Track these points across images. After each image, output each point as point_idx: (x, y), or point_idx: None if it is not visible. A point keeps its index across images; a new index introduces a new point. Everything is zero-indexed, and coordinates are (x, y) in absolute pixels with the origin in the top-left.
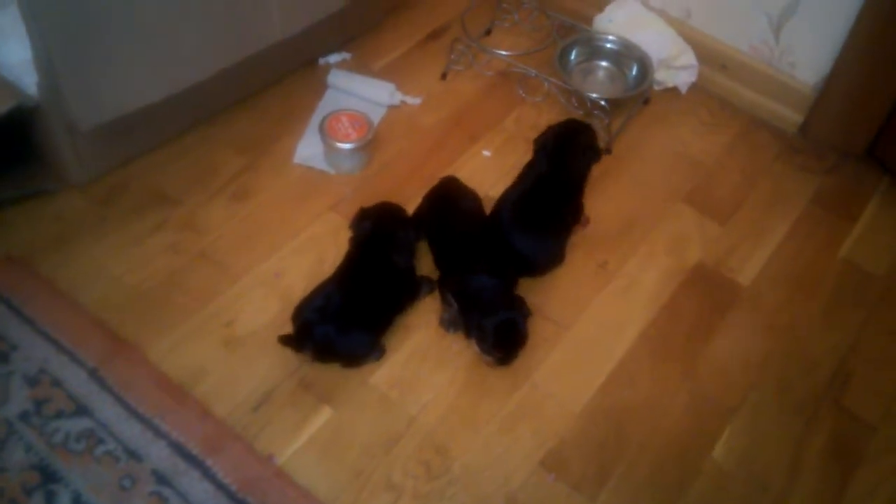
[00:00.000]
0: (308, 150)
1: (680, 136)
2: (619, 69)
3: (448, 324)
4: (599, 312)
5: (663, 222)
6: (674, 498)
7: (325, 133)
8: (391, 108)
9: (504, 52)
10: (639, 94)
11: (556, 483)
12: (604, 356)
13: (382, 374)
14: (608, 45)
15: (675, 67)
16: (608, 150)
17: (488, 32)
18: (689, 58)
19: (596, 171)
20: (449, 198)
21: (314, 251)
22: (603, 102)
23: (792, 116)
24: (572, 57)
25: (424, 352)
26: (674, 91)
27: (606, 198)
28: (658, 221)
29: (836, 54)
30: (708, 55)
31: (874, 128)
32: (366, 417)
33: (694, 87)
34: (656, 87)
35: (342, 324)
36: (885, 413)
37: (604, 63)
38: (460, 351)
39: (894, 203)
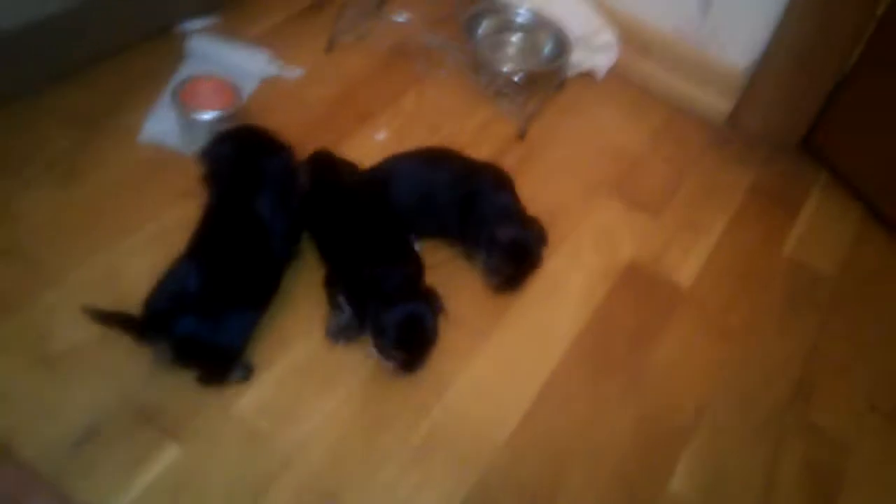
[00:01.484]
0: (158, 125)
1: (599, 124)
2: (532, 44)
3: (337, 333)
4: (521, 319)
5: (588, 217)
6: None
7: (180, 102)
8: (265, 80)
9: (402, 19)
10: (557, 68)
11: None
12: (530, 371)
13: (249, 401)
14: (520, 18)
15: (594, 47)
16: (521, 136)
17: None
18: (608, 36)
19: (509, 159)
20: (327, 174)
21: (162, 247)
22: (516, 79)
23: (720, 104)
24: (480, 29)
25: (305, 370)
26: (589, 77)
27: (520, 189)
28: (582, 216)
29: (768, 35)
30: (629, 37)
31: (809, 117)
32: (226, 456)
33: (612, 72)
34: (571, 71)
35: (208, 309)
36: (858, 429)
37: (515, 37)
38: (353, 368)
39: (835, 199)
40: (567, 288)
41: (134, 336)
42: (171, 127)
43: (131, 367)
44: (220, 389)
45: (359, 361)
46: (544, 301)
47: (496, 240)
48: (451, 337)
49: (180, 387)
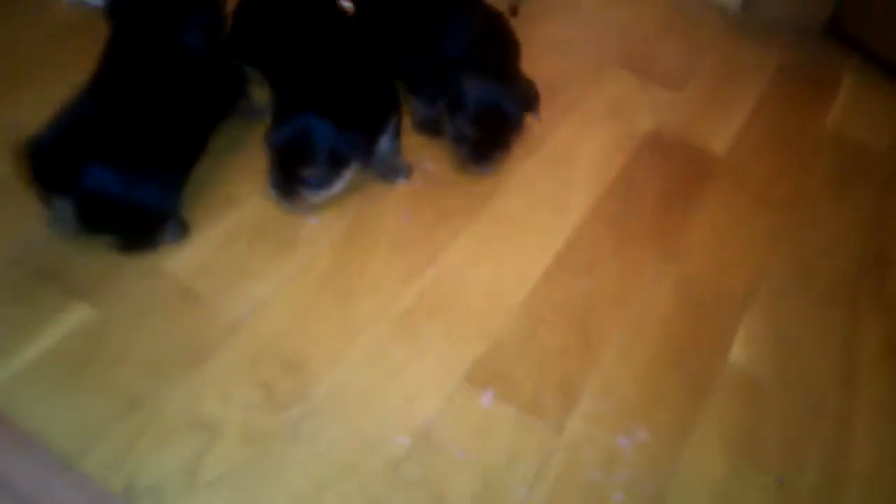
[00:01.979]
0: None
1: (599, 2)
2: None
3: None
4: (527, 185)
5: (597, 87)
6: (687, 417)
7: None
8: None
9: None
10: None
11: (497, 405)
12: (541, 238)
13: (183, 260)
14: None
15: None
16: (514, 13)
17: None
18: None
19: None
20: None
21: None
22: None
23: None
24: None
25: (257, 230)
26: None
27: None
28: (590, 87)
29: None
30: None
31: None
32: (152, 320)
33: None
34: None
35: (121, 154)
36: None
37: None
38: (319, 229)
39: (873, 79)
40: (579, 156)
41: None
42: None
43: (27, 222)
44: (150, 249)
45: (331, 219)
46: (552, 169)
47: (461, 96)
48: (442, 196)
49: (90, 243)
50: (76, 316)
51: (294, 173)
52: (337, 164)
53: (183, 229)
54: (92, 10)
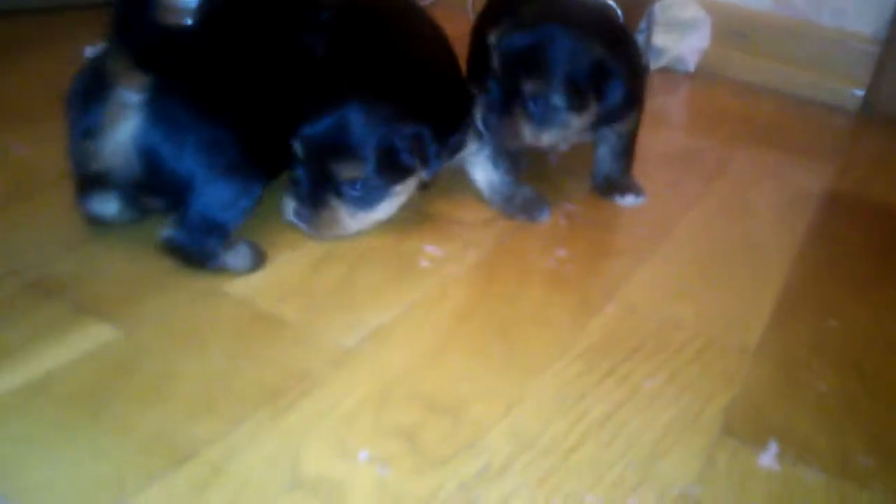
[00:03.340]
0: None
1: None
2: None
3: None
4: (699, 231)
5: (739, 157)
6: None
7: None
8: None
9: None
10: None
11: (787, 465)
12: (752, 278)
13: (254, 281)
14: None
15: (682, 23)
16: None
17: None
18: (696, 9)
19: None
20: None
21: None
22: None
23: (847, 87)
24: None
25: (359, 255)
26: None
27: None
28: (730, 157)
29: None
30: (716, 25)
31: None
32: (208, 347)
33: (700, 71)
34: (655, 63)
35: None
36: None
37: None
38: (453, 256)
39: None
40: (749, 209)
41: None
42: None
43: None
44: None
45: (456, 249)
46: (724, 219)
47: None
48: (597, 233)
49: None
50: (92, 336)
51: (327, 180)
52: (388, 169)
53: (258, 259)
54: None
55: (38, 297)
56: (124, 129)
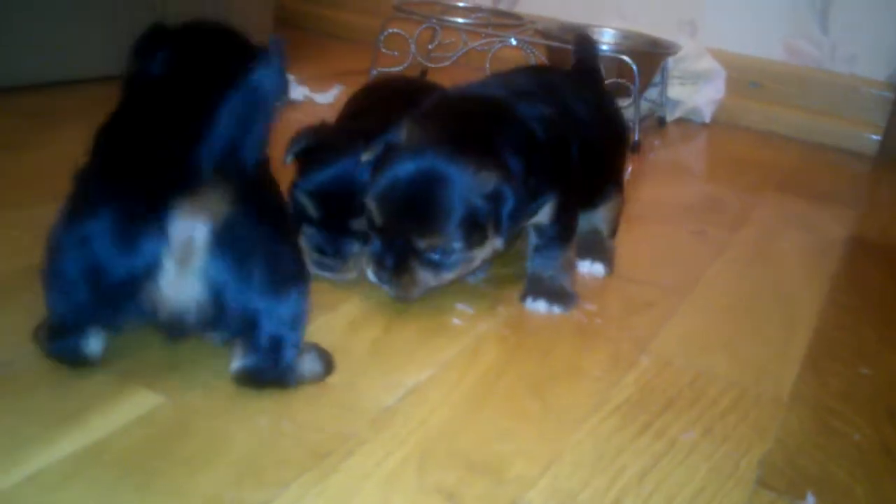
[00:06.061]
0: None
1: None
2: None
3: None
4: (727, 282)
5: (764, 204)
6: None
7: None
8: None
9: None
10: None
11: None
12: (780, 328)
13: None
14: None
15: (696, 75)
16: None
17: None
18: (710, 61)
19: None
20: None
21: None
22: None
23: (863, 132)
24: None
25: (395, 314)
26: (689, 127)
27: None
28: (755, 205)
29: None
30: (730, 76)
31: None
32: (249, 411)
33: (716, 121)
34: (671, 115)
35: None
36: None
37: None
38: (483, 315)
39: None
40: (774, 258)
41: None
42: None
43: None
44: None
45: (485, 307)
46: (749, 269)
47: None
48: (627, 288)
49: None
50: (140, 403)
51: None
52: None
53: (324, 356)
54: None
55: (86, 369)
56: (193, 267)
